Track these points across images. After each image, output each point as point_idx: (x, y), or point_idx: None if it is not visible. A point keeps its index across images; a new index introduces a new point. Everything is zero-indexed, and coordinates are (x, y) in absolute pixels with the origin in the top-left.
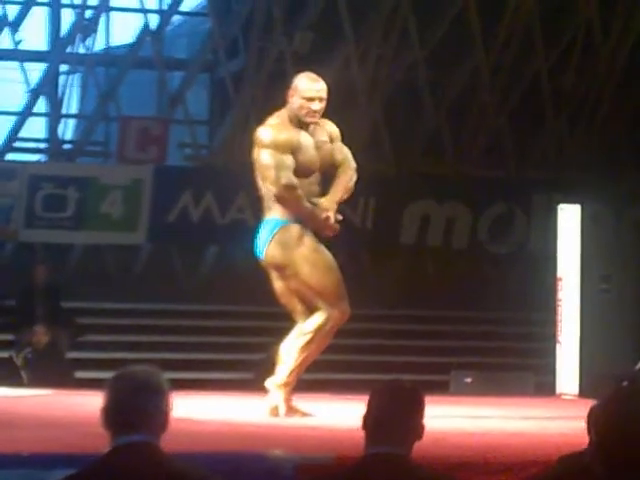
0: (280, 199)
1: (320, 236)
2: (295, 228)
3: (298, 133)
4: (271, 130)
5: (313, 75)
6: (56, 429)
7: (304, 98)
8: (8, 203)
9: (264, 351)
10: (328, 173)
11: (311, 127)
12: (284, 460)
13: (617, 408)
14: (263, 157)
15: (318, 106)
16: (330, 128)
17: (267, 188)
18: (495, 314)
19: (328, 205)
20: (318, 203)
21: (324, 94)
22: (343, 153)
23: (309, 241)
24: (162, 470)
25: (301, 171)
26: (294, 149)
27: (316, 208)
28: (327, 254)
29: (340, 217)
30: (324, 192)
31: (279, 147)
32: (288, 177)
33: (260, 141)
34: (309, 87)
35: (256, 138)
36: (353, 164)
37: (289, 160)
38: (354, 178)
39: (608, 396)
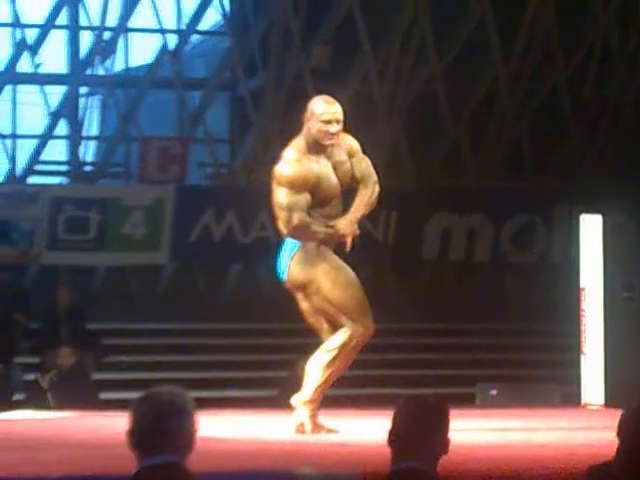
0: (292, 237)
1: (342, 252)
2: (314, 246)
3: (317, 163)
4: (289, 167)
5: (329, 98)
6: (83, 451)
7: (322, 121)
8: (31, 226)
9: (288, 368)
10: (350, 188)
11: (329, 148)
12: (311, 477)
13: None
14: (278, 195)
15: (336, 128)
16: (348, 142)
17: (280, 227)
18: (518, 325)
19: (345, 227)
20: (335, 225)
21: (340, 116)
22: (362, 168)
23: (329, 258)
24: None
25: (322, 199)
26: (313, 184)
27: (331, 231)
28: (348, 270)
29: (358, 232)
30: (346, 208)
31: (295, 186)
32: (300, 218)
33: (277, 178)
34: (325, 110)
35: (274, 173)
36: (374, 177)
37: (305, 199)
38: (376, 191)
39: (635, 407)
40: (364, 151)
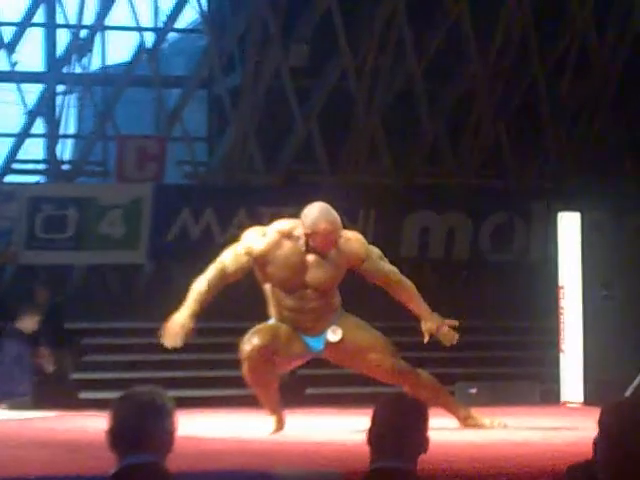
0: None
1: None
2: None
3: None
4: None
5: (324, 209)
6: (61, 451)
7: (313, 233)
8: (8, 226)
9: None
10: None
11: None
12: (290, 476)
13: (623, 419)
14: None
15: (326, 240)
16: (351, 248)
17: None
18: (498, 323)
19: (432, 322)
20: (426, 329)
21: (332, 227)
22: (386, 270)
23: None
24: None
25: (284, 285)
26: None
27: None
28: None
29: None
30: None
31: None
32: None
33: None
34: (316, 223)
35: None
36: (396, 269)
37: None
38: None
39: (614, 406)
40: (343, 152)
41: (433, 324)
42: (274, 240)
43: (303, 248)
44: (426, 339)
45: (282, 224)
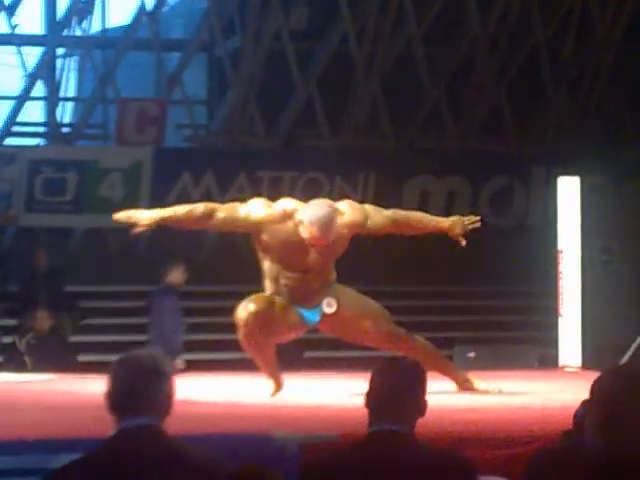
0: None
1: None
2: None
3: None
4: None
5: (320, 215)
6: (60, 413)
7: (305, 227)
8: (8, 188)
9: None
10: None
11: None
12: (289, 439)
13: (616, 385)
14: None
15: (319, 234)
16: (349, 218)
17: None
18: (496, 288)
19: (457, 228)
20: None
21: (324, 234)
22: (387, 215)
23: None
24: (167, 452)
25: (285, 262)
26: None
27: None
28: None
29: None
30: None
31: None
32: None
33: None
34: (308, 227)
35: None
36: (401, 213)
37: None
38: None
39: (607, 373)
40: (343, 113)
41: (458, 229)
42: (277, 214)
43: None
44: (463, 243)
45: (288, 203)
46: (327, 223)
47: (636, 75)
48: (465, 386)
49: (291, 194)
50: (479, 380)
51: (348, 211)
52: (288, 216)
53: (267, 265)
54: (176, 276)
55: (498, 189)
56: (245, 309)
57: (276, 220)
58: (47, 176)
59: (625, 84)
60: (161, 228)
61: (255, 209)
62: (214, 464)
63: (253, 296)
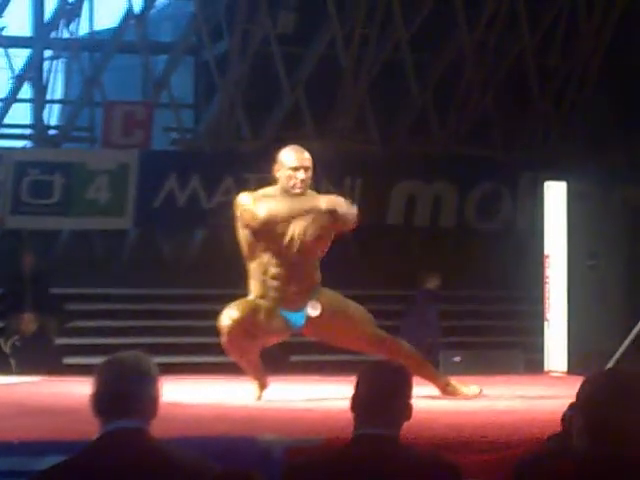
0: None
1: None
2: None
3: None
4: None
5: (296, 147)
6: (46, 416)
7: (290, 169)
8: None
9: None
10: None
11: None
12: (274, 443)
13: (601, 388)
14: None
15: (303, 175)
16: (325, 204)
17: None
18: (483, 292)
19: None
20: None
21: (308, 163)
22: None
23: None
24: (152, 455)
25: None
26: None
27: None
28: None
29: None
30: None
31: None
32: None
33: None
34: (293, 157)
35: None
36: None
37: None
38: (350, 210)
39: (593, 376)
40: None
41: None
42: (258, 198)
43: (285, 200)
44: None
45: (266, 189)
46: (300, 150)
47: (622, 82)
48: (447, 390)
49: None
50: (461, 384)
51: (325, 197)
52: (269, 195)
53: (255, 264)
54: (434, 282)
55: (485, 194)
56: (228, 316)
57: (261, 200)
58: (33, 178)
59: (611, 91)
60: (147, 231)
61: (255, 209)
62: (200, 467)
63: (236, 302)
